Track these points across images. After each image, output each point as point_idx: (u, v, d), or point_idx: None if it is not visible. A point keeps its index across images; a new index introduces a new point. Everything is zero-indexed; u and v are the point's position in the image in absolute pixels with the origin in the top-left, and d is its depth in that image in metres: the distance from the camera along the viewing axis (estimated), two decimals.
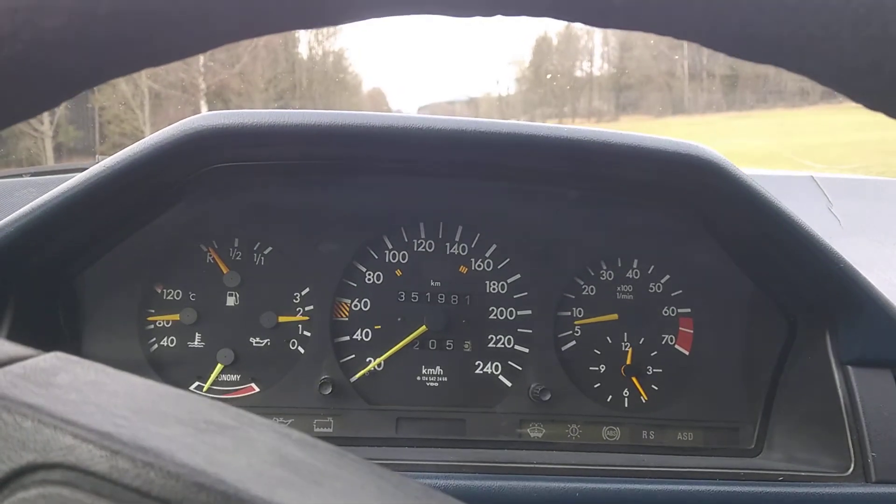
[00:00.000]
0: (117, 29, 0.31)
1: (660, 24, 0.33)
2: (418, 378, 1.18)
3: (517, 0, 0.33)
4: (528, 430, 1.17)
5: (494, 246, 1.21)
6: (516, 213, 1.20)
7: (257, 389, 1.17)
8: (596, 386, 1.19)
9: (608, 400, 1.19)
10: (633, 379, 1.19)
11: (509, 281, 1.20)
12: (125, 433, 0.31)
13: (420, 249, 1.21)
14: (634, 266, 1.22)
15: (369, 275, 1.20)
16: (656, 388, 1.20)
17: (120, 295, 1.15)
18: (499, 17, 0.34)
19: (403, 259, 1.20)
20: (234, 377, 1.17)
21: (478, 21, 0.34)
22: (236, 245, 1.19)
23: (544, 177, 1.13)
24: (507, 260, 1.21)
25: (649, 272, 1.22)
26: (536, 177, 1.13)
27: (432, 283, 1.20)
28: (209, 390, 1.16)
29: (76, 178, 0.95)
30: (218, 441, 0.33)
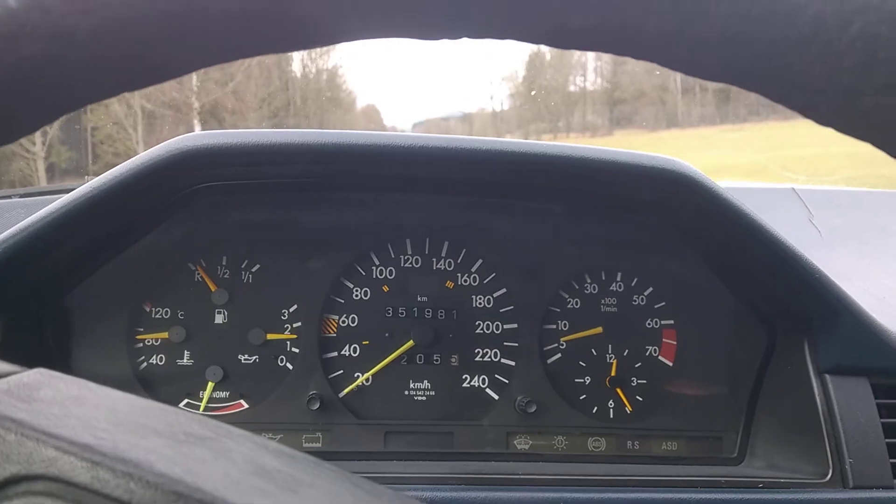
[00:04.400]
0: (98, 51, 0.32)
1: (618, 46, 0.34)
2: (406, 392, 1.20)
3: (478, 25, 0.34)
4: (515, 442, 1.18)
5: (480, 261, 1.23)
6: (501, 229, 1.22)
7: (246, 406, 1.18)
8: (581, 398, 1.21)
9: (593, 411, 1.20)
10: (618, 390, 1.20)
11: (495, 295, 1.22)
12: (106, 445, 0.32)
13: (407, 265, 1.23)
14: (618, 279, 1.24)
15: (357, 291, 1.21)
16: (641, 399, 1.21)
17: (108, 313, 1.16)
18: (464, 39, 0.36)
19: (390, 275, 1.22)
20: (223, 394, 1.18)
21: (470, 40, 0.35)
22: (224, 263, 1.20)
23: (528, 192, 1.15)
24: (493, 275, 1.22)
25: (633, 285, 1.23)
26: (520, 192, 1.15)
27: (419, 299, 1.21)
28: (204, 409, 1.17)
29: (63, 199, 0.96)
30: (196, 452, 0.34)
